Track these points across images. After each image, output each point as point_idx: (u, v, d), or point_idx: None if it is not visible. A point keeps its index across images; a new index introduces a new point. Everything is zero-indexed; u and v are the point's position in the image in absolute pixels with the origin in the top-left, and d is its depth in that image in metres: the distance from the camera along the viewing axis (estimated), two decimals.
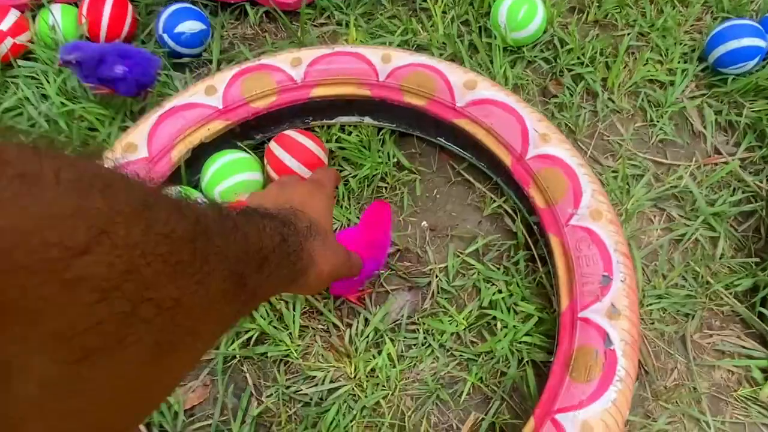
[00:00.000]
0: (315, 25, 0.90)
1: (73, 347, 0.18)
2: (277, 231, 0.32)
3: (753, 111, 0.81)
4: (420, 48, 0.85)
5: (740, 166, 0.78)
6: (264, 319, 0.66)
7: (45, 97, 0.81)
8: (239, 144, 0.75)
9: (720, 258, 0.72)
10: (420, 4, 0.89)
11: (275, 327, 0.66)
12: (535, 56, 0.85)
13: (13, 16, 0.82)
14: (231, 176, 0.70)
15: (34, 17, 0.85)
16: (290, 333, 0.66)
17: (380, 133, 0.78)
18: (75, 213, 0.18)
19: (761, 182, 0.77)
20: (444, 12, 0.88)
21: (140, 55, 0.76)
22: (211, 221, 0.25)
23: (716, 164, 0.79)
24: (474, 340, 0.67)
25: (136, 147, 0.70)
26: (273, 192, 0.41)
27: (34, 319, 0.17)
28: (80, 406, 0.19)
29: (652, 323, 0.68)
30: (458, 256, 0.71)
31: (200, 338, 0.24)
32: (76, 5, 0.85)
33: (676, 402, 0.64)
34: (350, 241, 0.57)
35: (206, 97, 0.72)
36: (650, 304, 0.69)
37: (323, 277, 0.38)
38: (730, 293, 0.69)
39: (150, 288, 0.20)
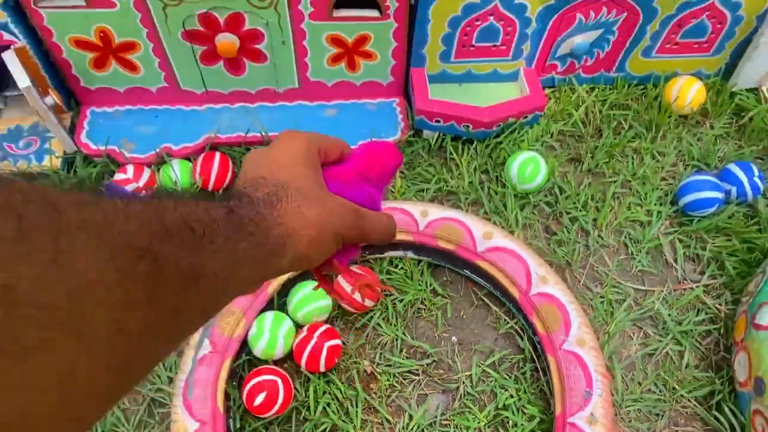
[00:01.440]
0: None
1: None
2: (221, 205, 0.29)
3: (715, 246, 1.03)
4: (450, 193, 1.10)
5: (704, 292, 0.99)
6: (335, 414, 0.89)
7: None
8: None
9: (685, 368, 0.92)
10: (450, 155, 1.15)
11: (343, 420, 0.90)
12: (539, 200, 1.08)
13: (147, 172, 1.10)
14: (310, 303, 0.95)
15: (158, 170, 1.14)
16: (354, 425, 0.89)
17: (419, 265, 1.02)
18: None
19: (720, 305, 0.98)
20: (468, 162, 1.13)
21: None
22: (61, 194, 0.21)
23: (684, 290, 1.00)
24: None
25: None
26: (248, 173, 0.36)
27: None
28: None
29: (630, 422, 0.89)
30: (480, 366, 0.93)
31: (86, 331, 0.20)
32: (190, 160, 1.13)
33: None
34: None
35: None
36: (628, 406, 0.90)
37: (320, 241, 0.33)
38: (692, 397, 0.90)
39: None
